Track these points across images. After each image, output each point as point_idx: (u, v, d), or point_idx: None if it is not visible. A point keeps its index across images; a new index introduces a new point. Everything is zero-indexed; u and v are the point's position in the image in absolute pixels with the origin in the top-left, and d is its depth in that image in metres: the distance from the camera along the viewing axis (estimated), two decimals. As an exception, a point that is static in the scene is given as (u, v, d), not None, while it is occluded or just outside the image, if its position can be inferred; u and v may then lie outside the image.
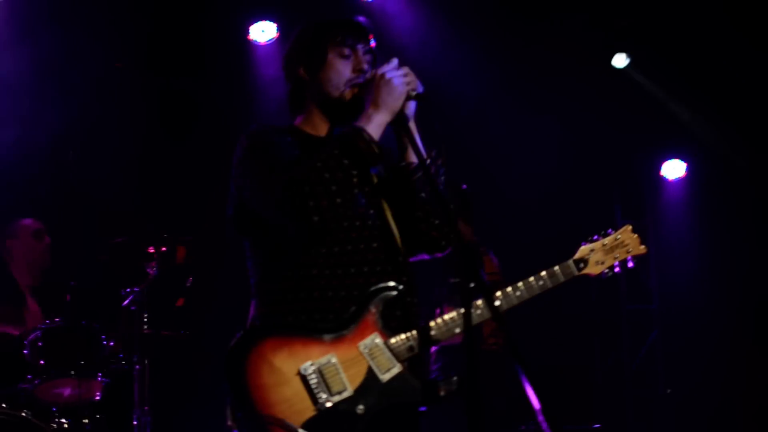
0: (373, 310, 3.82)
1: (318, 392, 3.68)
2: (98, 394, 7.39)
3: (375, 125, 3.84)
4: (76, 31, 8.80)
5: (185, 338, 8.09)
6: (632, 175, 11.03)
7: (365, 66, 4.04)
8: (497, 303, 3.91)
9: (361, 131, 3.82)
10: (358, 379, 3.74)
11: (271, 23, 9.55)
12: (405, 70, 3.91)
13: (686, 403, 10.58)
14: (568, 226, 9.48)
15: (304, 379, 3.69)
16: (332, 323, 3.80)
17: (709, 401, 10.29)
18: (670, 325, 10.83)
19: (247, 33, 9.62)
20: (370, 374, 3.76)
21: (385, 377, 3.77)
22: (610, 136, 10.31)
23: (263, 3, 9.57)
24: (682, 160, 10.96)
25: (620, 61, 10.31)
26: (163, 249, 7.75)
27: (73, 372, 7.25)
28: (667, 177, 11.04)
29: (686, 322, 10.58)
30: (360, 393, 3.73)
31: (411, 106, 3.94)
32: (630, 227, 4.21)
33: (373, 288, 3.85)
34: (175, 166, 9.29)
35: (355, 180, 3.79)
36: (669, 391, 10.80)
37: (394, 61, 3.94)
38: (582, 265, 4.09)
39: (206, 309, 8.67)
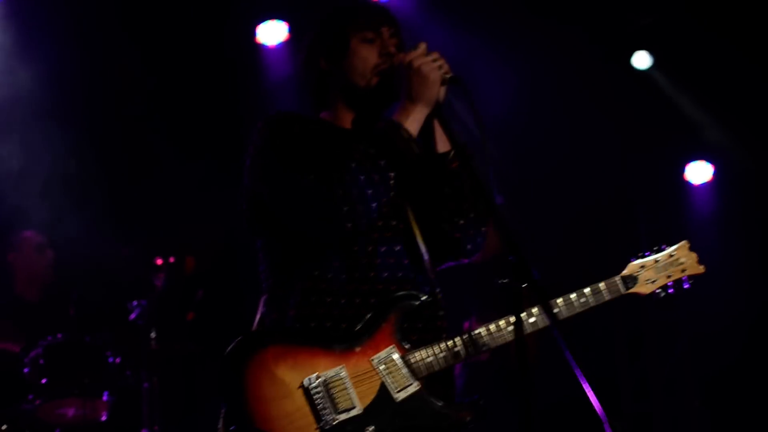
0: (390, 320, 3.50)
1: (323, 409, 3.38)
2: (104, 414, 7.23)
3: (413, 120, 3.58)
4: (77, 39, 8.56)
5: (196, 354, 7.83)
6: (654, 180, 10.64)
7: (392, 49, 3.73)
8: (532, 320, 3.59)
9: (400, 128, 3.54)
10: (369, 396, 3.43)
11: (281, 23, 9.12)
12: (435, 55, 3.62)
13: (717, 415, 10.23)
14: (587, 235, 9.26)
15: (307, 393, 3.39)
16: (344, 333, 3.49)
17: (740, 411, 9.94)
18: (696, 335, 10.48)
19: (255, 35, 9.21)
20: (383, 392, 3.44)
21: (399, 396, 3.45)
22: (628, 136, 9.96)
23: (271, 1, 9.19)
24: (709, 162, 10.51)
25: (642, 60, 9.94)
26: (171, 259, 7.51)
27: (77, 391, 7.09)
28: (692, 181, 10.58)
29: (715, 330, 10.23)
30: (370, 412, 3.41)
31: (442, 91, 3.64)
32: (687, 244, 3.89)
33: (392, 296, 3.53)
34: (182, 173, 8.97)
35: (391, 183, 3.51)
36: (698, 402, 10.46)
37: (422, 46, 3.66)
38: (630, 283, 3.76)
39: (218, 323, 8.32)
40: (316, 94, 3.86)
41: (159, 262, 7.63)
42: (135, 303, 7.54)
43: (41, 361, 6.98)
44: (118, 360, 7.29)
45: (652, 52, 9.97)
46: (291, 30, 9.08)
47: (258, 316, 3.71)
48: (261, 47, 9.27)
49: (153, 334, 7.51)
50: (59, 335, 7.15)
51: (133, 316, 7.53)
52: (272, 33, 9.16)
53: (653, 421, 10.45)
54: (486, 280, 7.00)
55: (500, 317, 3.55)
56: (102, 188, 8.63)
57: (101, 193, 8.61)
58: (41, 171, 8.56)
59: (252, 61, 9.31)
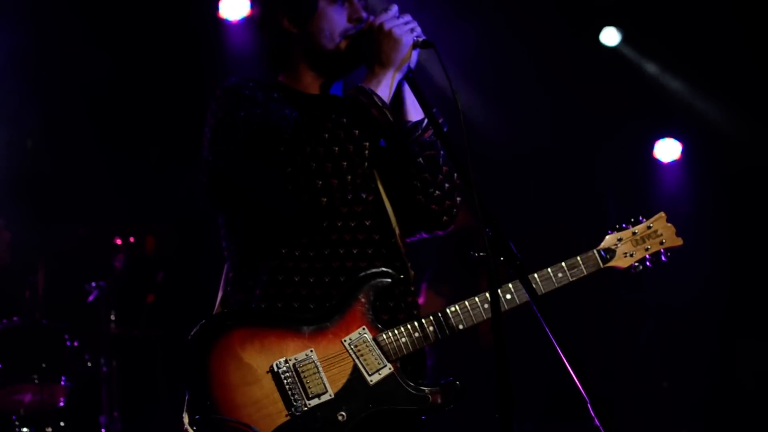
0: (362, 299, 3.37)
1: (293, 394, 3.23)
2: (62, 399, 7.10)
3: (385, 86, 3.41)
4: (32, 16, 8.44)
5: (156, 337, 7.69)
6: (623, 158, 10.55)
7: (363, 14, 3.55)
8: (508, 297, 3.46)
9: (372, 95, 3.35)
10: (341, 380, 3.30)
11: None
12: (406, 17, 3.46)
13: (684, 397, 10.19)
14: (554, 214, 9.16)
15: (276, 377, 3.24)
16: (313, 313, 3.35)
17: (707, 394, 9.91)
18: (665, 316, 10.43)
19: (217, 9, 9.06)
20: (356, 375, 3.31)
21: (372, 379, 3.32)
22: (596, 113, 9.86)
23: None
24: (677, 139, 10.44)
25: (610, 37, 9.82)
26: (131, 239, 7.36)
27: (34, 376, 6.96)
28: (661, 159, 10.50)
29: (682, 313, 10.19)
30: (342, 397, 3.28)
31: (413, 56, 3.47)
32: (664, 215, 3.78)
33: (362, 273, 3.38)
34: (142, 150, 8.93)
35: (367, 153, 3.32)
36: (666, 384, 10.41)
37: (394, 8, 3.48)
38: (608, 256, 3.64)
39: (179, 305, 8.20)
40: (275, 55, 3.66)
41: (118, 242, 7.50)
42: (93, 285, 7.43)
43: (-4, 346, 6.90)
44: (76, 344, 7.15)
45: (620, 29, 9.87)
46: (253, 5, 8.92)
47: (220, 294, 3.53)
48: (223, 22, 9.13)
49: (112, 317, 7.42)
50: (15, 318, 7.03)
51: (91, 298, 7.43)
52: (234, 8, 9.03)
53: (620, 403, 10.41)
54: (438, 252, 6.88)
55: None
56: (59, 166, 8.47)
57: (58, 170, 8.46)
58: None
59: (214, 36, 9.18)
